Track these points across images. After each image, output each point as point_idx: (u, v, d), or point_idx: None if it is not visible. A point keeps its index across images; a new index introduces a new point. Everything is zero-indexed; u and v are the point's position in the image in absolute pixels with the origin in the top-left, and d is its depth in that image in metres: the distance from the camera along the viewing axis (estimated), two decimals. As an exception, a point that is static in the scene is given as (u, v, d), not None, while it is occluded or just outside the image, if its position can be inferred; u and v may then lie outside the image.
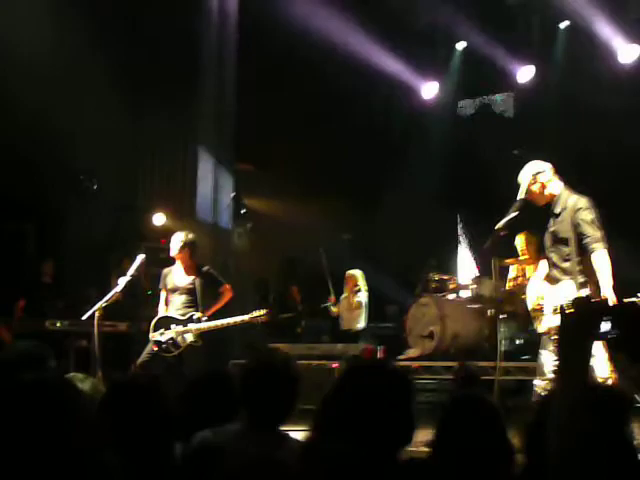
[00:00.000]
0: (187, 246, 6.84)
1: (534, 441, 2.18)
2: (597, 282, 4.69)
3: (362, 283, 9.01)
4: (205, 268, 7.03)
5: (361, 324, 8.95)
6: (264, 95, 10.10)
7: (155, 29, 9.21)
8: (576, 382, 1.70)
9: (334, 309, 9.23)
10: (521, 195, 4.96)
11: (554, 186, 4.91)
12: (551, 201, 4.95)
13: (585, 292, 4.81)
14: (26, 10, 8.00)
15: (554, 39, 10.18)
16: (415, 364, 7.88)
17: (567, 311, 1.86)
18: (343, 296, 9.25)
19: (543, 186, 4.94)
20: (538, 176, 4.93)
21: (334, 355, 7.84)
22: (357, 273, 9.10)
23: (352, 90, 10.53)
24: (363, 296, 8.97)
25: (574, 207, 4.86)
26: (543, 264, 5.35)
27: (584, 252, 4.75)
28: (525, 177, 4.99)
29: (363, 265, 9.39)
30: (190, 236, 6.98)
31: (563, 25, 10.04)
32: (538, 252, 8.25)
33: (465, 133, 10.98)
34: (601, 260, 4.58)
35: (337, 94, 10.47)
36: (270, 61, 10.22)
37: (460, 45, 10.93)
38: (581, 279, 4.78)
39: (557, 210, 4.91)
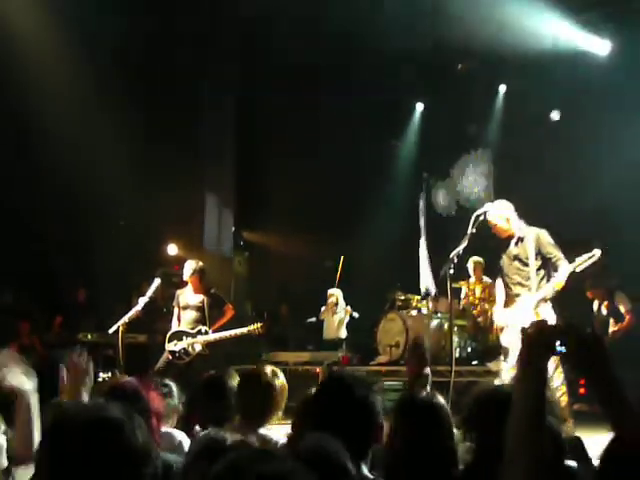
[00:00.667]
0: (197, 272, 7.38)
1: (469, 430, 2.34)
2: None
3: (341, 300, 9.81)
4: (212, 290, 7.53)
5: (341, 335, 9.75)
6: (258, 151, 11.21)
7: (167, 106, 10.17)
8: (534, 392, 1.77)
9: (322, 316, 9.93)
10: (471, 229, 5.51)
11: (515, 221, 5.61)
12: (512, 233, 5.62)
13: (544, 306, 5.43)
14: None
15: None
16: (383, 369, 8.56)
17: (528, 330, 1.86)
18: (324, 309, 9.90)
19: (508, 221, 5.62)
20: (504, 214, 5.61)
21: (318, 361, 8.62)
22: (336, 292, 9.89)
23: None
24: (342, 311, 9.76)
25: (536, 235, 5.55)
26: (499, 287, 5.97)
27: (545, 270, 5.48)
28: (493, 215, 5.61)
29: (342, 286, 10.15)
30: (200, 264, 7.47)
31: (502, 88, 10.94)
32: (482, 275, 9.59)
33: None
34: (566, 271, 5.29)
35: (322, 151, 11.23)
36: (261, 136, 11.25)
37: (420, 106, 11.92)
38: (539, 295, 5.46)
39: (519, 237, 5.58)
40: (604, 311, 8.67)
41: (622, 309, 8.49)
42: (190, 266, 7.50)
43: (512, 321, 5.52)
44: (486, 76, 10.85)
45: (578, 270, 5.41)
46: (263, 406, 3.20)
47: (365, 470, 2.29)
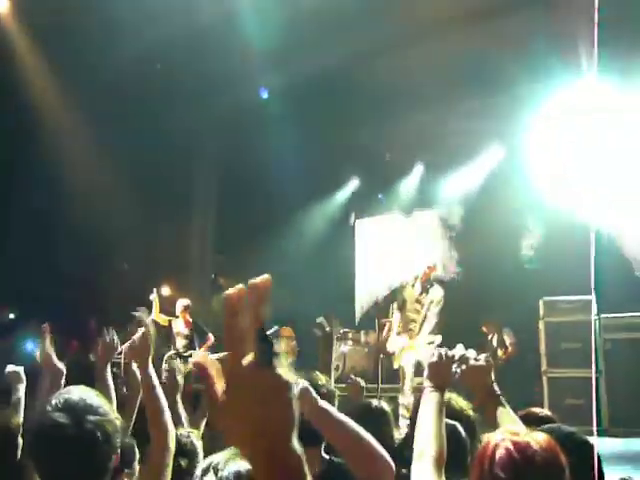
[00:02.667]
0: (186, 308, 9.26)
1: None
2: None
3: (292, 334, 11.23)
4: (197, 321, 9.25)
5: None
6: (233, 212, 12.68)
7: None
8: (438, 402, 2.11)
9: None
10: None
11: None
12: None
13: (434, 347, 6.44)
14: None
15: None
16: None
17: (430, 360, 2.14)
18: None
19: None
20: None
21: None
22: (288, 329, 11.29)
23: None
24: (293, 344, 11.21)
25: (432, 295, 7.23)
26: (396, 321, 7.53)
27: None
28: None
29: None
30: (188, 302, 9.24)
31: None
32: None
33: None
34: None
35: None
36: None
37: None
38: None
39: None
40: (494, 342, 10.31)
41: (507, 341, 10.24)
42: (181, 303, 9.30)
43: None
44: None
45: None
46: None
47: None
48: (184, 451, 2.67)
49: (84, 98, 10.62)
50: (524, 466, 1.62)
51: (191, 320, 9.53)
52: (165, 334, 9.83)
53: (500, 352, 10.09)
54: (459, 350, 2.36)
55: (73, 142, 11.69)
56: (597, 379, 8.69)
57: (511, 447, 1.66)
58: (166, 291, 11.25)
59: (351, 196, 13.56)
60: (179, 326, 9.45)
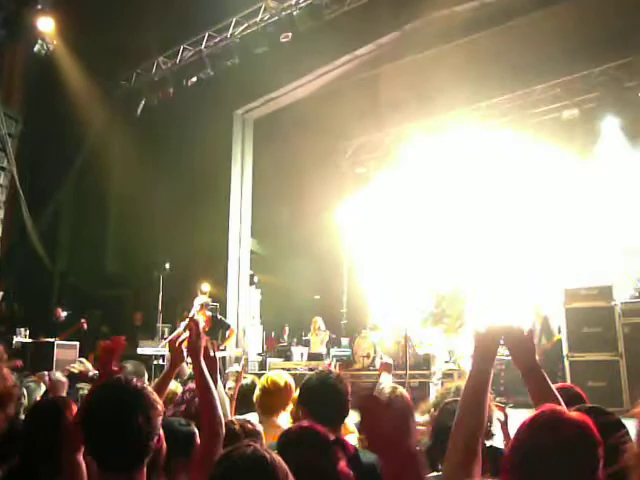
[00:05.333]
0: (203, 306, 9.77)
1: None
2: None
3: (322, 325, 12.00)
4: (218, 316, 9.91)
5: (322, 351, 11.75)
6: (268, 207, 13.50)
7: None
8: (484, 373, 1.99)
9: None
10: None
11: None
12: None
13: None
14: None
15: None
16: (359, 373, 10.32)
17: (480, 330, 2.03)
18: (310, 332, 12.01)
19: None
20: None
21: (310, 368, 10.25)
22: (319, 319, 12.08)
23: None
24: (322, 334, 11.91)
25: None
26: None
27: None
28: None
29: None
30: (205, 299, 9.82)
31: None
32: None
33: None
34: None
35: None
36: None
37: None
38: None
39: None
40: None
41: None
42: (199, 301, 9.88)
43: None
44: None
45: None
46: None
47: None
48: (249, 434, 2.84)
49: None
50: (560, 437, 1.69)
51: (210, 315, 9.99)
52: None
53: (544, 340, 10.30)
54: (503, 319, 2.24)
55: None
56: (617, 362, 9.12)
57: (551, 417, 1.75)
58: (206, 287, 11.62)
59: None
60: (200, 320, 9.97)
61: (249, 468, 1.68)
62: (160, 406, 1.96)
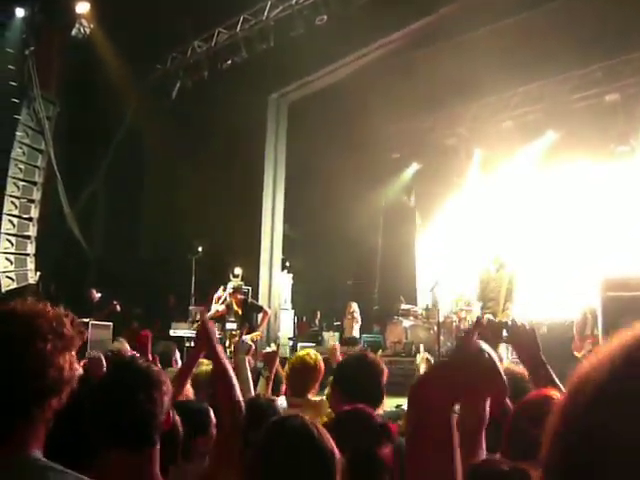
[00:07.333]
0: (236, 290, 10.02)
1: None
2: None
3: (357, 310, 12.08)
4: (249, 300, 10.11)
5: (356, 335, 11.92)
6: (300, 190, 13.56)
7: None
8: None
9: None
10: None
11: None
12: None
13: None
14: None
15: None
16: (389, 359, 10.01)
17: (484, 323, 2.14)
18: (345, 317, 12.14)
19: None
20: None
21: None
22: (354, 304, 12.18)
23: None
24: (358, 318, 12.04)
25: None
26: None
27: None
28: None
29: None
30: (235, 284, 10.03)
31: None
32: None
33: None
34: None
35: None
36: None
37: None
38: None
39: None
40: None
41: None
42: (231, 286, 10.10)
43: None
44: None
45: None
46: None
47: None
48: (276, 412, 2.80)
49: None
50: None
51: (243, 299, 10.14)
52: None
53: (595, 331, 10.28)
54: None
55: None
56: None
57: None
58: (238, 270, 11.71)
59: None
60: (233, 307, 10.09)
61: (298, 436, 1.70)
62: (166, 386, 1.96)
